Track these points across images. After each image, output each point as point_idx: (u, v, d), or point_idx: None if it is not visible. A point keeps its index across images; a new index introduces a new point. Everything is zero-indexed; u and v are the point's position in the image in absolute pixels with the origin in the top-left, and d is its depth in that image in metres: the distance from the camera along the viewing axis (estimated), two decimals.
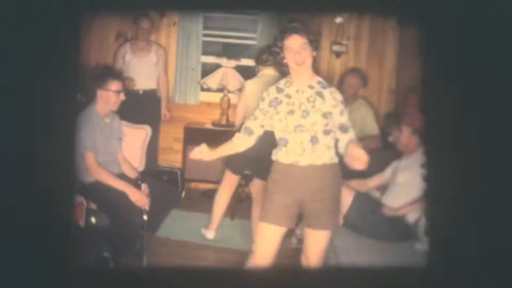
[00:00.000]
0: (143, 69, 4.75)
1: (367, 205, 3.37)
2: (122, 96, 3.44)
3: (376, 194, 3.52)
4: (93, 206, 3.38)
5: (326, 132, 2.60)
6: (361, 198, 3.40)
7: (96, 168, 3.31)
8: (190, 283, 1.97)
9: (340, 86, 4.57)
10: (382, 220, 3.25)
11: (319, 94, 2.61)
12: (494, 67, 1.74)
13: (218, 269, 2.38)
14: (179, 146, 5.19)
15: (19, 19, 1.72)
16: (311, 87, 2.63)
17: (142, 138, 3.93)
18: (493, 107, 1.74)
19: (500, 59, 1.75)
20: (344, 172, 4.00)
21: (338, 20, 5.08)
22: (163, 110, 4.94)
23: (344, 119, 2.62)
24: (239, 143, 2.75)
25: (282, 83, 2.70)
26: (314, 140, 2.58)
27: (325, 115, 2.58)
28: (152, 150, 4.33)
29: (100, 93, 3.41)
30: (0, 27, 1.71)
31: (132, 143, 3.78)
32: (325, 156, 2.62)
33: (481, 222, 1.75)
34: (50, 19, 1.74)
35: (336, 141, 2.64)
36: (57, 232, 1.81)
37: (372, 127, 4.25)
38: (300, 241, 3.77)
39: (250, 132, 2.72)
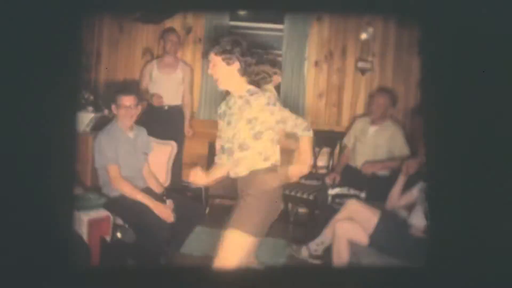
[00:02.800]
0: (169, 86, 4.79)
1: (394, 225, 3.32)
2: (134, 110, 3.50)
3: (404, 214, 3.47)
4: (119, 221, 3.40)
5: (256, 137, 2.65)
6: (387, 218, 3.36)
7: (119, 180, 3.37)
8: (193, 282, 1.96)
9: (369, 106, 4.56)
10: (409, 241, 3.20)
11: (247, 102, 2.68)
12: (494, 67, 1.73)
13: (222, 269, 2.37)
14: (203, 162, 5.20)
15: (20, 22, 1.74)
16: (240, 97, 2.71)
17: (168, 153, 3.96)
18: (493, 107, 1.73)
19: (500, 59, 1.73)
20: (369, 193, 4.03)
21: (363, 36, 5.07)
22: (187, 127, 4.99)
23: (278, 116, 2.68)
24: (223, 164, 2.82)
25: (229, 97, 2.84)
26: (243, 146, 2.67)
27: (250, 121, 2.65)
28: (176, 166, 4.36)
29: (114, 109, 3.52)
30: (1, 30, 1.73)
31: (158, 159, 3.81)
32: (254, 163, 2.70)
33: (481, 222, 1.73)
34: (51, 22, 1.75)
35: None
36: (57, 236, 1.82)
37: (402, 148, 4.20)
38: (312, 256, 3.75)
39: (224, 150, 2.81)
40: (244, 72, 2.69)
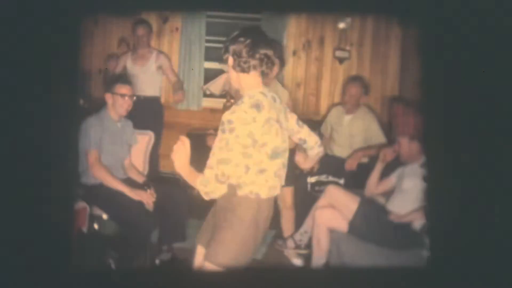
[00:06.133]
0: (144, 77, 4.76)
1: (373, 211, 3.34)
2: (129, 100, 3.47)
3: (382, 200, 3.50)
4: (97, 211, 3.35)
5: None
6: (366, 204, 3.38)
7: (97, 165, 3.33)
8: (190, 283, 1.95)
9: (342, 95, 4.57)
10: (388, 227, 3.22)
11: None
12: (494, 67, 1.74)
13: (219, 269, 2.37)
14: None
15: (19, 23, 1.72)
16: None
17: (146, 143, 3.92)
18: (492, 107, 1.73)
19: (500, 59, 1.74)
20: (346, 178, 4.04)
21: (341, 25, 5.08)
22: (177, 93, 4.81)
23: None
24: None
25: None
26: None
27: None
28: (153, 157, 4.32)
29: (108, 97, 3.47)
30: (1, 32, 1.71)
31: (136, 148, 3.77)
32: None
33: (481, 222, 1.74)
34: (50, 22, 1.74)
35: None
36: (57, 234, 1.80)
37: (378, 136, 4.21)
38: (298, 246, 3.76)
39: None
40: (238, 64, 2.26)
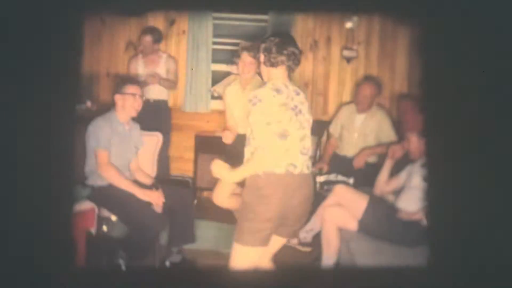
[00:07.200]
0: None
1: (382, 209, 3.32)
2: (139, 100, 3.48)
3: (391, 198, 3.47)
4: (105, 213, 3.35)
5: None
6: (376, 202, 3.36)
7: (107, 166, 3.32)
8: (191, 282, 1.94)
9: (354, 95, 4.53)
10: (398, 225, 3.20)
11: None
12: (494, 67, 1.72)
13: (222, 269, 2.36)
14: (190, 154, 5.17)
15: (19, 23, 1.72)
16: None
17: (154, 144, 3.91)
18: (493, 107, 1.71)
19: (501, 59, 1.72)
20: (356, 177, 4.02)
21: (348, 25, 5.06)
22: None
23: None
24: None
25: None
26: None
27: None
28: (162, 159, 4.31)
29: (117, 98, 3.47)
30: (0, 32, 1.71)
31: (144, 150, 3.77)
32: None
33: (481, 222, 1.72)
34: (51, 22, 1.74)
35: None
36: (59, 235, 1.80)
37: (389, 134, 4.19)
38: (301, 243, 3.74)
39: None
40: (268, 60, 2.55)
